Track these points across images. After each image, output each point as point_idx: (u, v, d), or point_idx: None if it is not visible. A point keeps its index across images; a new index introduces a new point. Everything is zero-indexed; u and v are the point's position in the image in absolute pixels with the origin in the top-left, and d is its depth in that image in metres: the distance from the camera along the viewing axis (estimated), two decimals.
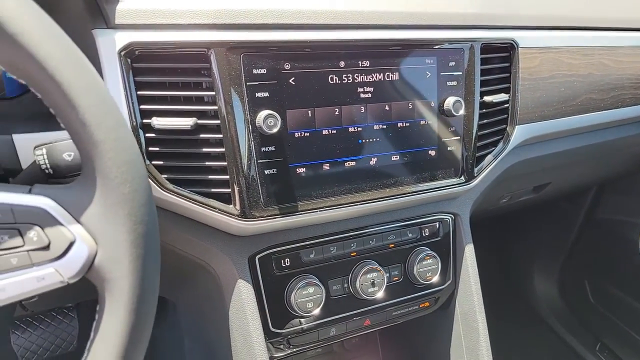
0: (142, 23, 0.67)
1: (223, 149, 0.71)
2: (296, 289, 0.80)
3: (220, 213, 0.73)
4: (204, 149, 0.72)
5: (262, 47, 0.71)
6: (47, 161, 0.57)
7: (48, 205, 0.45)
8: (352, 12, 0.77)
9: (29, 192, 0.45)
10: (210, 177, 0.72)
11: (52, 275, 0.44)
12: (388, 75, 0.81)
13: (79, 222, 0.45)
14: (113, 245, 0.45)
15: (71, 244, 0.44)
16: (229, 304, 0.79)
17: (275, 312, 0.81)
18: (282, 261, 0.82)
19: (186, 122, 0.69)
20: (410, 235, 0.92)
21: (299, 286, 0.80)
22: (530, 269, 1.95)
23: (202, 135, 0.71)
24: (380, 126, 0.81)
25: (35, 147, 0.58)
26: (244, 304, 0.78)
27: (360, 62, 0.78)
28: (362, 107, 0.79)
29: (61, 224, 0.44)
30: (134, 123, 0.67)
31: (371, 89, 0.80)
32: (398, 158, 0.84)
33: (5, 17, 0.39)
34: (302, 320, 0.83)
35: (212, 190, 0.72)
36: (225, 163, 0.71)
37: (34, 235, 0.43)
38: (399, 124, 0.83)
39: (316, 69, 0.75)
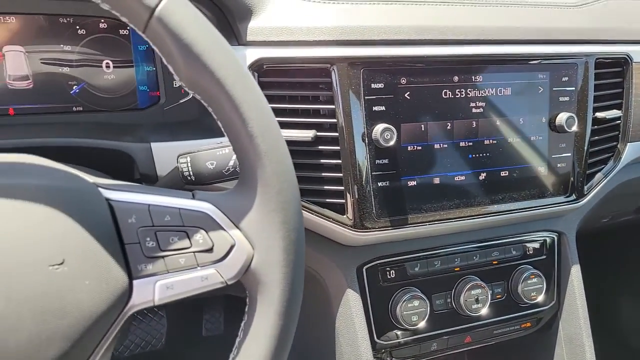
0: (271, 40, 0.71)
1: (339, 161, 0.73)
2: (402, 301, 0.81)
3: (334, 223, 0.75)
4: (321, 160, 0.74)
5: (381, 62, 0.73)
6: (190, 169, 0.61)
7: (210, 210, 0.48)
8: (468, 28, 0.78)
9: (193, 197, 0.49)
10: (325, 187, 0.74)
11: (214, 276, 0.47)
12: (500, 90, 0.80)
13: (238, 227, 0.48)
14: (268, 250, 0.47)
15: (231, 248, 0.47)
16: (336, 312, 0.81)
17: (380, 323, 0.82)
18: (388, 273, 0.83)
19: (307, 134, 0.72)
20: (514, 252, 0.91)
21: (405, 299, 0.81)
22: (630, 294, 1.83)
23: (319, 147, 0.73)
24: (491, 141, 0.81)
25: (179, 156, 0.62)
26: (352, 313, 0.79)
27: (473, 76, 0.78)
28: (474, 122, 0.79)
29: (223, 229, 0.47)
30: None
31: (483, 104, 0.80)
32: (507, 174, 0.83)
33: (190, 39, 0.43)
34: (405, 332, 0.84)
35: (327, 200, 0.75)
36: (341, 174, 0.74)
37: (200, 238, 0.47)
38: (509, 139, 0.82)
39: (431, 83, 0.76)
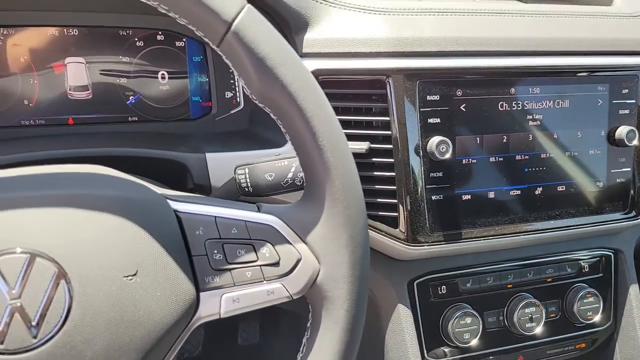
0: (326, 51, 0.71)
1: (393, 173, 0.72)
2: (453, 318, 0.79)
3: (386, 236, 0.74)
4: (374, 173, 0.73)
5: (437, 74, 0.72)
6: (248, 180, 0.61)
7: (276, 223, 0.48)
8: (527, 39, 0.76)
9: (258, 210, 0.49)
10: (378, 200, 0.74)
11: (279, 290, 0.47)
12: (558, 102, 0.78)
13: (304, 241, 0.47)
14: (334, 265, 0.47)
15: (298, 262, 0.47)
16: (386, 327, 0.79)
17: (430, 340, 0.80)
18: (439, 288, 0.81)
19: (361, 146, 0.71)
20: (569, 270, 0.88)
21: (457, 315, 0.79)
22: None
23: (373, 159, 0.73)
24: (547, 155, 0.79)
25: (236, 167, 0.62)
26: (402, 328, 0.78)
27: (530, 88, 0.77)
28: (530, 135, 0.77)
29: (289, 242, 0.47)
30: None
31: (540, 116, 0.78)
32: (564, 189, 0.80)
33: (265, 53, 0.43)
34: (456, 350, 0.82)
35: (380, 213, 0.74)
36: (394, 187, 0.72)
37: (267, 251, 0.47)
38: (566, 153, 0.80)
39: (487, 95, 0.75)
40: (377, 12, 0.74)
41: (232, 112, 0.85)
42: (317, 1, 0.72)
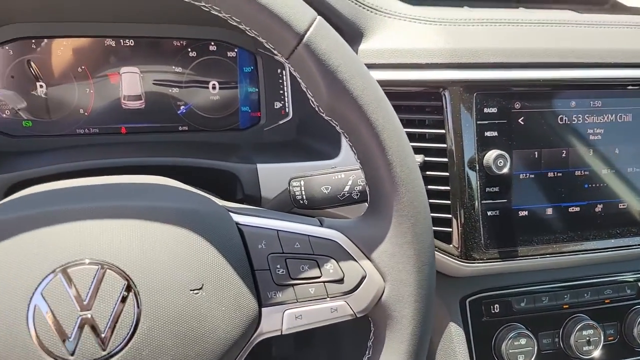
0: (382, 62, 0.69)
1: (447, 187, 0.70)
2: (507, 338, 0.76)
3: (439, 252, 0.72)
4: (428, 186, 0.71)
5: (495, 86, 0.70)
6: (303, 192, 0.60)
7: (340, 239, 0.46)
8: (587, 50, 0.73)
9: (321, 224, 0.48)
10: (432, 214, 0.71)
11: (343, 308, 0.45)
12: (620, 116, 0.75)
13: (369, 258, 0.46)
14: (401, 283, 0.45)
15: (362, 279, 0.45)
16: (437, 345, 0.77)
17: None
18: (492, 307, 0.78)
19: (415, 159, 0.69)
20: (628, 291, 0.83)
21: (511, 336, 0.76)
22: None
23: (427, 173, 0.71)
24: (609, 170, 0.75)
25: (291, 179, 0.61)
26: (454, 347, 0.75)
27: (592, 102, 0.74)
28: (591, 150, 0.74)
29: (353, 259, 0.46)
30: None
31: (601, 131, 0.74)
32: (625, 206, 0.76)
33: (336, 66, 0.42)
34: None
35: (433, 228, 0.71)
36: (449, 202, 0.70)
37: (330, 267, 0.45)
38: (629, 169, 0.76)
39: (546, 108, 0.72)
40: (433, 23, 0.72)
41: (281, 122, 0.85)
42: (372, 11, 0.71)
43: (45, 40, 0.75)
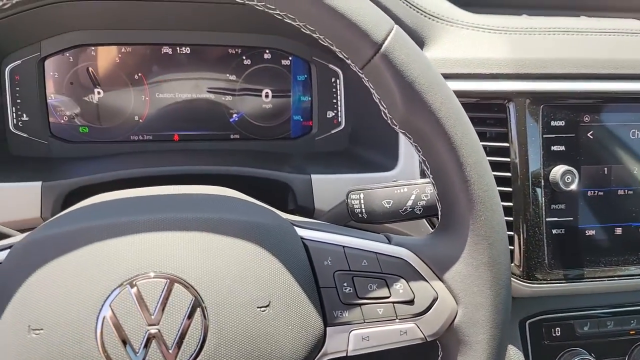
0: (444, 72, 0.66)
1: (510, 203, 0.67)
2: None
3: None
4: None
5: (563, 98, 0.67)
6: (363, 206, 0.58)
7: (410, 257, 0.44)
8: None
9: (389, 241, 0.46)
10: None
11: (413, 331, 0.43)
12: None
13: (441, 279, 0.44)
14: (475, 307, 0.43)
15: (434, 301, 0.43)
16: None
17: None
18: (553, 330, 0.74)
19: None
20: None
21: None
22: None
23: None
24: None
25: (350, 191, 0.60)
26: None
27: None
28: None
29: (424, 279, 0.43)
30: None
31: None
32: None
33: (414, 77, 0.40)
34: None
35: None
36: (511, 218, 0.67)
37: (400, 287, 0.43)
38: None
39: (616, 122, 0.68)
40: (497, 31, 0.70)
41: (333, 132, 0.83)
42: (433, 19, 0.69)
43: (105, 47, 0.76)
